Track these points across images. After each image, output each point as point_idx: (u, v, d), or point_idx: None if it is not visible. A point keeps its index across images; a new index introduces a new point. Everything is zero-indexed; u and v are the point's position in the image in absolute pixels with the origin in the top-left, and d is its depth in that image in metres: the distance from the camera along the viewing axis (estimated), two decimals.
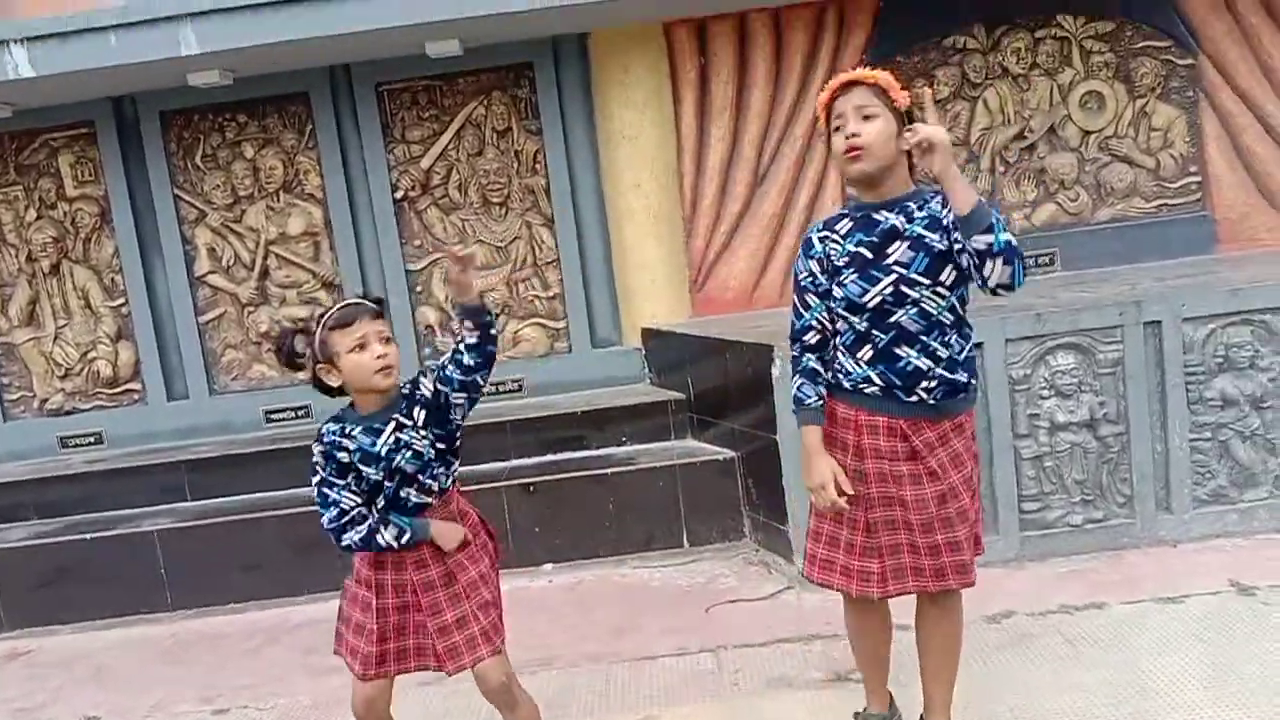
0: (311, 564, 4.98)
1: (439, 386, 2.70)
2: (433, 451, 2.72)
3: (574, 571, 4.93)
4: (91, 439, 6.16)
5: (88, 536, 5.19)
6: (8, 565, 5.16)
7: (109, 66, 5.10)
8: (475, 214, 6.02)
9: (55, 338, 6.19)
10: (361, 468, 2.67)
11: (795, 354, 2.81)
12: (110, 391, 6.21)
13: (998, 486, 4.34)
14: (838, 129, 2.65)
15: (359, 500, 2.69)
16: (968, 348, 2.67)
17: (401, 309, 5.98)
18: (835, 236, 2.72)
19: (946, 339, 2.62)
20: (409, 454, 2.68)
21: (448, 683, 3.09)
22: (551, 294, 6.06)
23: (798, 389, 2.78)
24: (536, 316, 6.09)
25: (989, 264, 2.42)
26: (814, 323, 2.75)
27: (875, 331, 2.63)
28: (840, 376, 2.73)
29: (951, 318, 2.62)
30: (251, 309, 6.11)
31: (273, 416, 6.07)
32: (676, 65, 5.74)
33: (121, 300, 6.13)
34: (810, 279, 2.75)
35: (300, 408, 6.03)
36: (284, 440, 5.74)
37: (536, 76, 5.82)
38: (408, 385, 2.75)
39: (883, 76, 2.64)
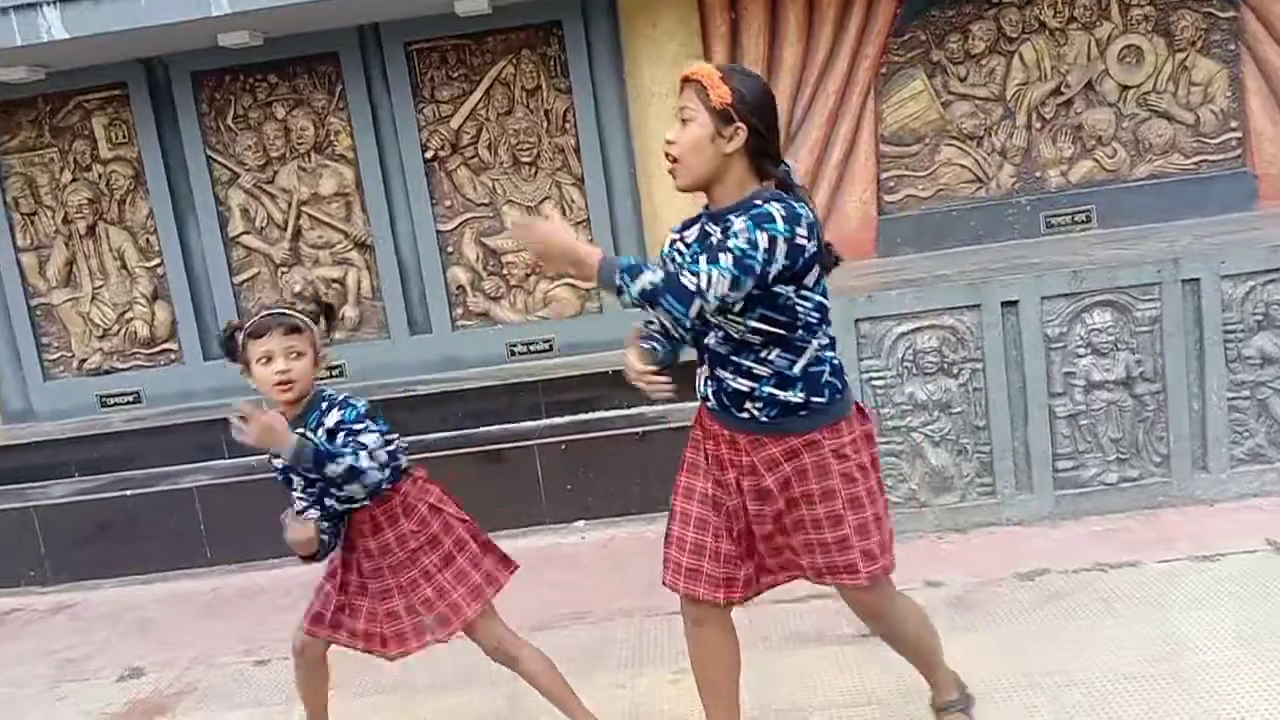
0: None
1: (336, 431, 2.74)
2: (308, 501, 2.81)
3: (606, 529, 4.96)
4: (130, 398, 6.24)
5: (129, 493, 5.28)
6: (52, 521, 5.26)
7: (140, 28, 5.10)
8: (505, 174, 6.01)
9: (93, 298, 6.26)
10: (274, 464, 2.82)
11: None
12: (147, 351, 6.28)
13: (1032, 445, 4.32)
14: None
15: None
16: (800, 363, 2.40)
17: (432, 270, 6.00)
18: (681, 244, 2.54)
19: (763, 356, 2.39)
20: (298, 495, 2.83)
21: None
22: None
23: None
24: (567, 276, 6.08)
25: (641, 308, 2.27)
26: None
27: (700, 351, 2.50)
28: (699, 390, 2.58)
29: (760, 338, 2.37)
30: (285, 269, 6.15)
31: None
32: (707, 20, 5.68)
33: (157, 261, 6.19)
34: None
35: (334, 367, 6.07)
36: None
37: (565, 34, 5.77)
38: (325, 401, 2.79)
39: (703, 71, 2.37)
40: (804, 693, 3.23)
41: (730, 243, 2.24)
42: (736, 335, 2.39)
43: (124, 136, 6.09)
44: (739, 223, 2.27)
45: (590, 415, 5.43)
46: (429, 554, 2.88)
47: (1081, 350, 4.28)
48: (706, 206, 2.50)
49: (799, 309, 2.36)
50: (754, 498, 2.51)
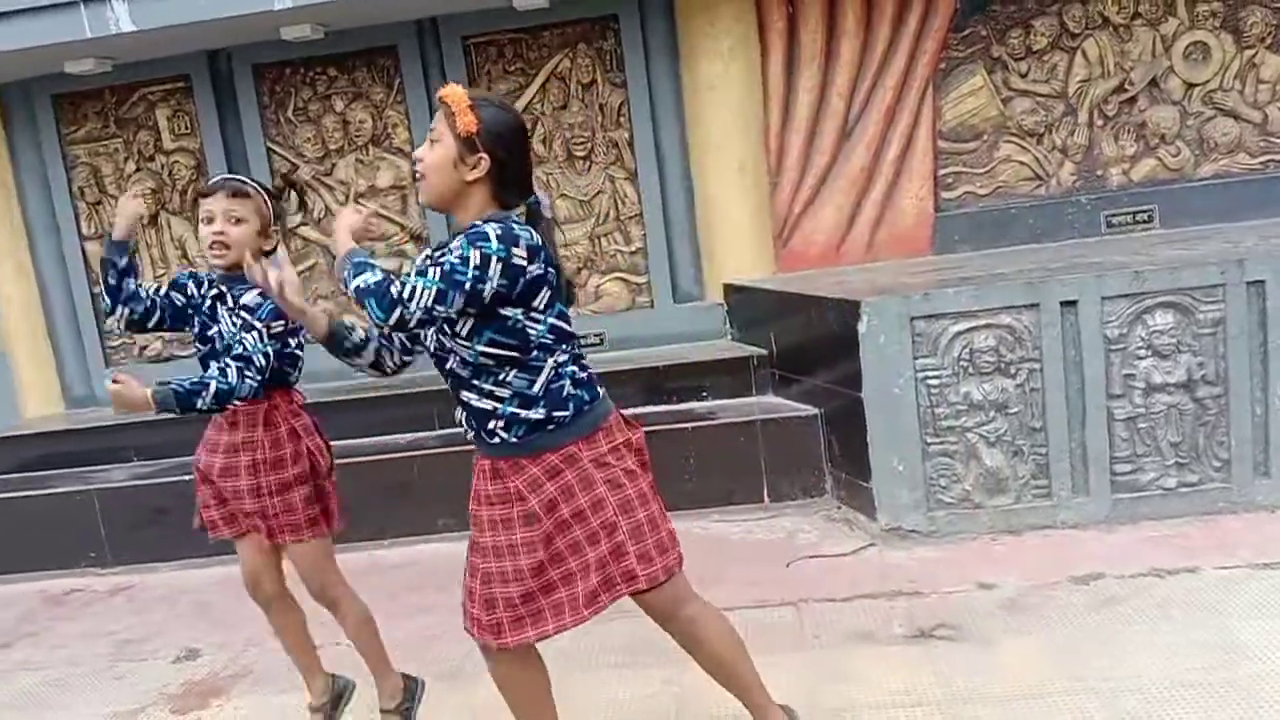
0: (399, 508, 5.11)
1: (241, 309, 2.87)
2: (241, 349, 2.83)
3: None
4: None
5: (186, 478, 5.32)
6: (111, 504, 5.37)
7: (205, 21, 5.19)
8: (559, 167, 6.04)
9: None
10: (191, 315, 3.01)
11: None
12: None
13: (1090, 447, 4.25)
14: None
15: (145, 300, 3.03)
16: (539, 381, 2.38)
17: None
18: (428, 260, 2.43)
19: (500, 379, 2.38)
20: (218, 330, 2.92)
21: None
22: (634, 248, 6.07)
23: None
24: (618, 271, 6.10)
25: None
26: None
27: (443, 375, 2.49)
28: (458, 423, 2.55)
29: (493, 361, 2.36)
30: None
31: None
32: (764, 14, 5.66)
33: None
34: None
35: None
36: (372, 389, 5.86)
37: (622, 28, 5.79)
38: (255, 289, 2.78)
39: (453, 95, 2.36)
40: (855, 692, 3.21)
41: (443, 258, 2.25)
42: (471, 359, 2.38)
43: (187, 128, 6.20)
44: (455, 241, 2.30)
45: (639, 410, 5.42)
46: (269, 471, 2.97)
47: (1142, 352, 4.20)
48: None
49: (530, 331, 2.37)
50: (522, 524, 2.42)
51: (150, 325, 3.05)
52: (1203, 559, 3.87)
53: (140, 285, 2.98)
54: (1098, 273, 4.23)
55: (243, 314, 2.84)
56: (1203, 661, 3.13)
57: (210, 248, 2.81)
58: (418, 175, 2.42)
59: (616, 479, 2.45)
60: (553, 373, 2.40)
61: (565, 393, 2.42)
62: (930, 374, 4.26)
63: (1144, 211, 5.63)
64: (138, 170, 6.24)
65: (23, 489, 5.58)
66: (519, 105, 5.93)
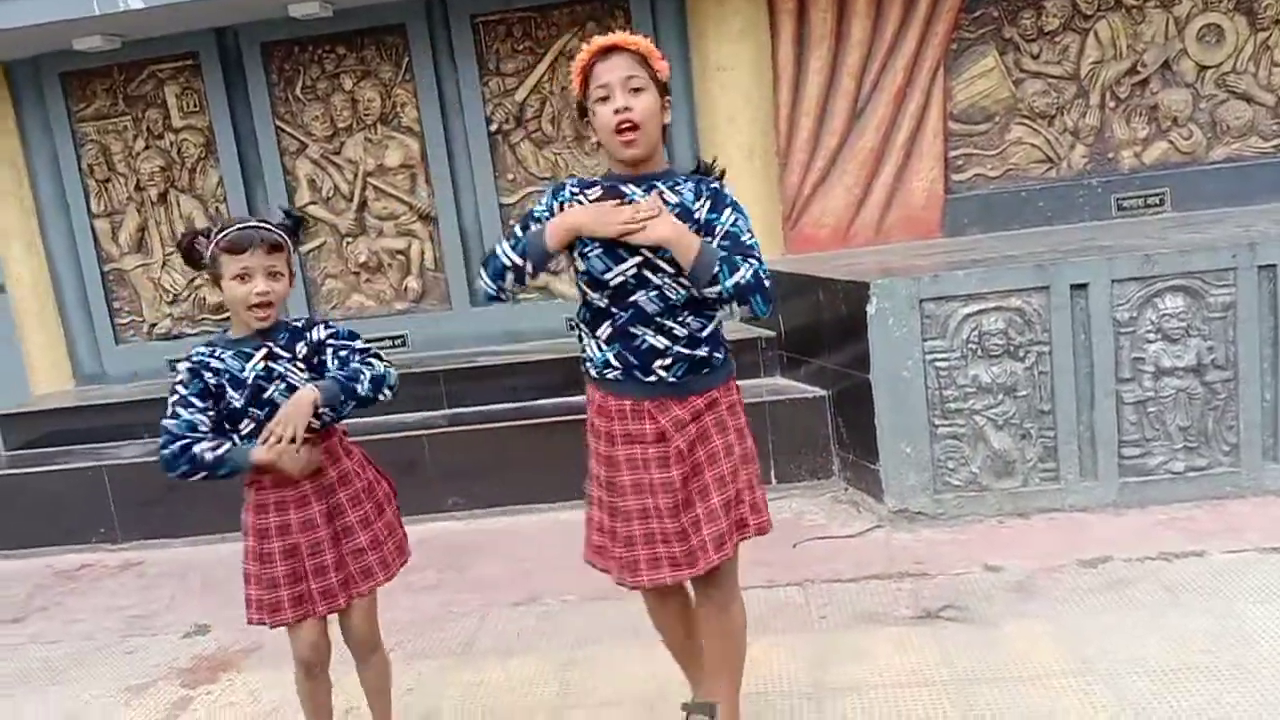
0: (406, 487, 5.08)
1: (329, 350, 2.67)
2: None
3: None
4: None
5: None
6: (121, 481, 5.40)
7: None
8: (567, 148, 6.03)
9: (163, 264, 6.39)
10: (229, 391, 2.56)
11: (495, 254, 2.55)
12: (215, 318, 6.39)
13: (1098, 431, 4.25)
14: (602, 99, 2.45)
15: (208, 425, 2.54)
16: (709, 326, 2.54)
17: (494, 242, 6.02)
18: (584, 198, 2.55)
19: (683, 319, 2.49)
20: (283, 386, 2.58)
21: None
22: None
23: (510, 244, 2.52)
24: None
25: (726, 306, 2.47)
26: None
27: (614, 309, 2.51)
28: (588, 364, 2.63)
29: (686, 302, 2.48)
30: (350, 240, 6.23)
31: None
32: None
33: None
34: (546, 214, 2.55)
35: (397, 337, 6.16)
36: None
37: (631, 7, 5.76)
38: (300, 320, 2.69)
39: (644, 44, 2.47)
40: (861, 671, 3.23)
41: (746, 238, 2.44)
42: (674, 297, 2.46)
43: (195, 105, 6.20)
44: (730, 213, 2.47)
45: None
46: (366, 500, 2.76)
47: (1151, 335, 4.20)
48: (609, 177, 2.56)
49: None
50: (658, 466, 2.51)
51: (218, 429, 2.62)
52: (1210, 543, 3.87)
53: (206, 438, 2.56)
54: (1108, 256, 4.22)
55: (331, 343, 2.67)
56: (1209, 645, 3.14)
57: (252, 309, 2.51)
58: (625, 125, 2.41)
59: (741, 429, 2.61)
60: (718, 321, 2.57)
61: (719, 340, 2.57)
62: (939, 356, 4.26)
63: (1155, 195, 5.61)
64: (146, 148, 6.24)
65: (34, 465, 5.61)
66: (527, 84, 5.93)
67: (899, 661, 3.27)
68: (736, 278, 2.35)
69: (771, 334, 5.44)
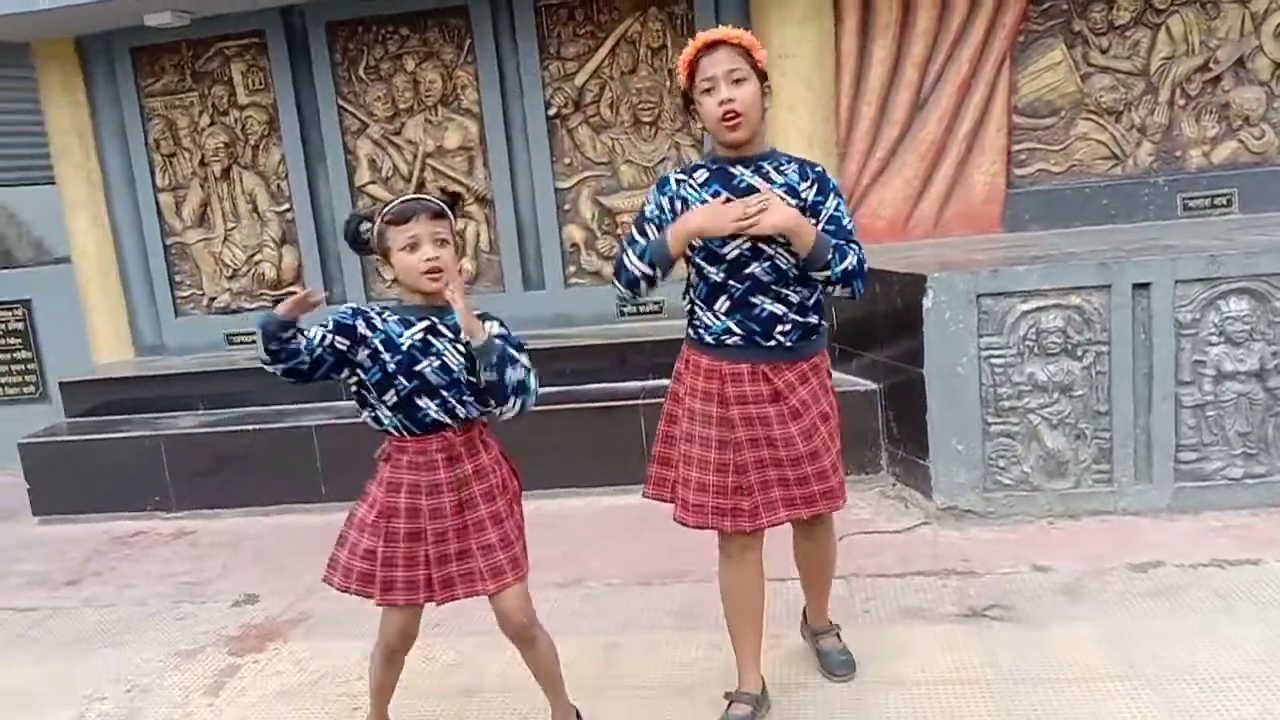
0: None
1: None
2: (465, 375, 2.59)
3: None
4: (255, 337, 6.45)
5: (251, 428, 5.49)
6: (178, 451, 5.51)
7: None
8: (625, 133, 6.01)
9: (224, 239, 6.49)
10: (383, 353, 2.57)
11: (617, 264, 2.78)
12: (273, 293, 6.48)
13: (1154, 434, 4.17)
14: (707, 90, 2.67)
15: (316, 350, 2.58)
16: (815, 295, 2.81)
17: (549, 227, 6.05)
18: (692, 183, 2.79)
19: (793, 287, 2.75)
20: (437, 364, 2.58)
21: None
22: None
23: (636, 251, 2.73)
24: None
25: (829, 286, 2.74)
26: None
27: (731, 282, 2.74)
28: (701, 332, 2.83)
29: (798, 270, 2.72)
30: None
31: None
32: None
33: (286, 206, 6.37)
34: (658, 213, 2.78)
35: None
36: None
37: None
38: (478, 310, 2.63)
39: (746, 37, 2.69)
40: (904, 667, 3.21)
41: (848, 224, 2.77)
42: (784, 267, 2.72)
43: (260, 83, 6.28)
44: (834, 199, 2.76)
45: None
46: (499, 496, 2.72)
47: (1214, 338, 4.11)
48: (715, 159, 2.80)
49: None
50: (777, 422, 2.79)
51: (316, 377, 2.68)
52: (1267, 551, 3.79)
53: (299, 340, 2.61)
54: (1172, 256, 4.13)
55: (498, 341, 2.59)
56: (1262, 654, 3.08)
57: (425, 275, 2.53)
58: (730, 115, 2.64)
59: (832, 398, 2.93)
60: (820, 291, 2.82)
61: (821, 309, 2.86)
62: (995, 353, 4.20)
63: (1223, 195, 5.48)
64: (211, 124, 6.33)
65: (93, 433, 5.74)
66: (587, 69, 5.92)
67: (942, 659, 3.24)
68: (846, 264, 2.66)
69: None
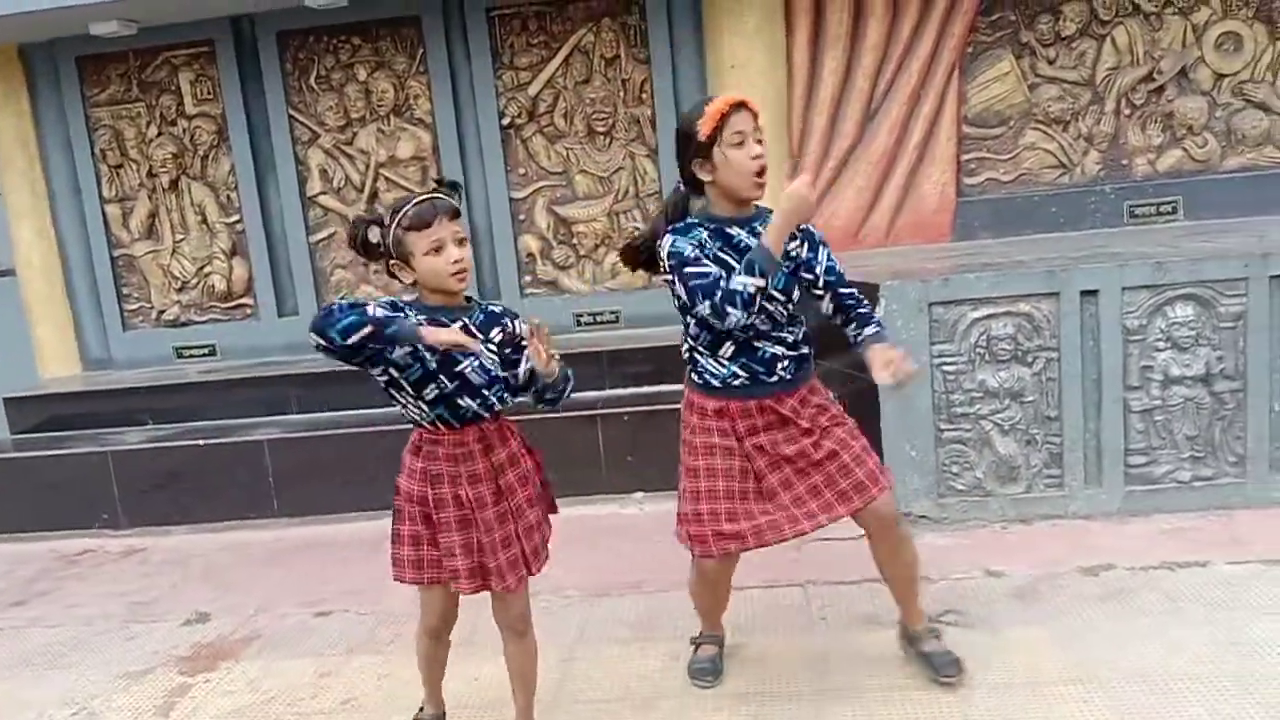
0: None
1: (520, 348, 2.68)
2: (499, 372, 2.66)
3: (665, 501, 4.94)
4: (205, 350, 6.39)
5: (200, 443, 5.41)
6: (126, 467, 5.41)
7: None
8: (580, 143, 6.02)
9: (173, 251, 6.40)
10: (423, 351, 2.55)
11: (721, 295, 2.75)
12: (224, 306, 6.41)
13: (1104, 439, 4.23)
14: (737, 144, 2.79)
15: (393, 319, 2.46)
16: (803, 330, 3.01)
17: (504, 236, 6.04)
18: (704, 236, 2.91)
19: (790, 329, 2.95)
20: (475, 363, 2.60)
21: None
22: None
23: (729, 284, 2.74)
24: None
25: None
26: (721, 276, 2.79)
27: (736, 330, 2.85)
28: (707, 377, 2.98)
29: (789, 315, 2.94)
30: None
31: None
32: None
33: (236, 217, 6.30)
34: (698, 249, 2.83)
35: None
36: None
37: (646, 3, 5.76)
38: (498, 306, 2.72)
39: (755, 104, 2.86)
40: (861, 674, 3.21)
41: (841, 269, 3.07)
42: (780, 317, 2.92)
43: (209, 93, 6.21)
44: (824, 251, 3.03)
45: (653, 388, 5.43)
46: (526, 486, 2.76)
47: (1161, 344, 4.17)
48: (695, 215, 2.94)
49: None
50: (787, 443, 2.96)
51: (353, 362, 2.57)
52: (1215, 554, 3.85)
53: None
54: (1119, 263, 4.19)
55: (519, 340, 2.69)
56: (1210, 656, 3.12)
57: (453, 277, 2.54)
58: (763, 170, 2.83)
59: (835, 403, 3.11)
60: (804, 325, 3.02)
61: (810, 340, 3.03)
62: (947, 360, 4.24)
63: (1168, 203, 5.58)
64: (159, 134, 6.25)
65: (39, 449, 5.63)
66: (541, 79, 5.92)
67: (898, 665, 3.25)
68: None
69: None
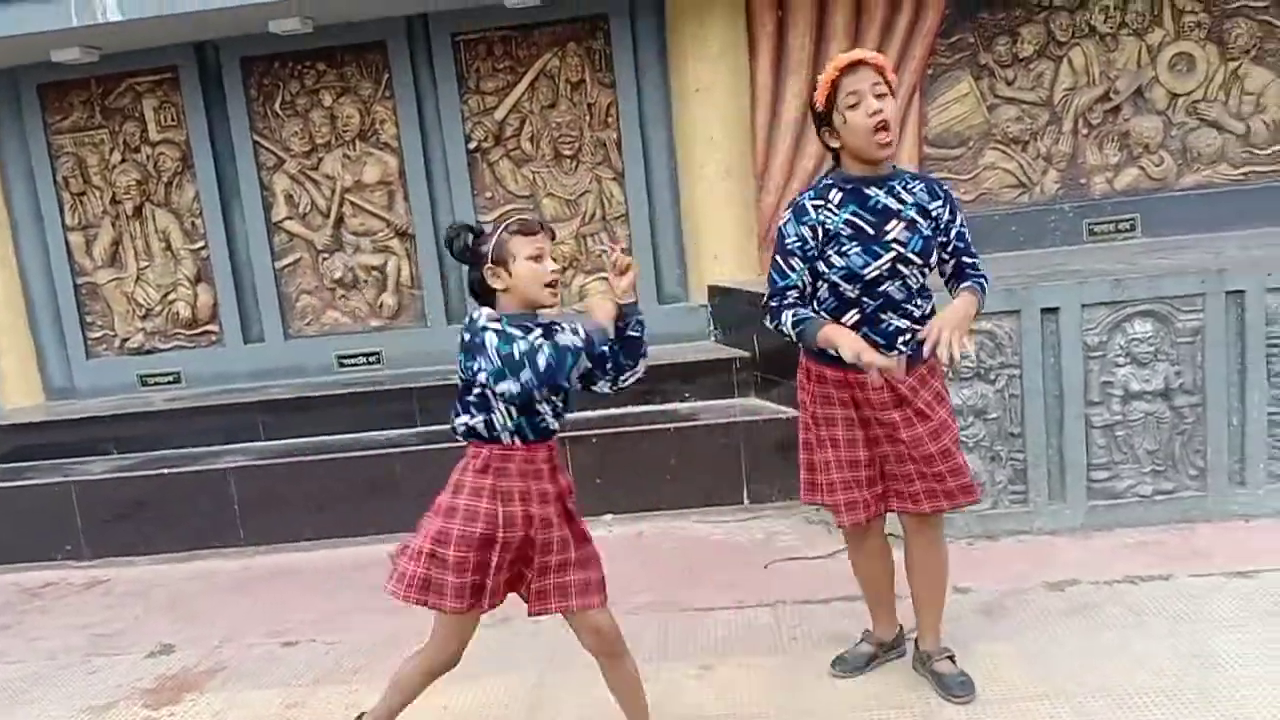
0: (378, 506, 5.10)
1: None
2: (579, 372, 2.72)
3: (635, 523, 4.97)
4: (170, 378, 6.33)
5: (165, 472, 5.36)
6: (89, 497, 5.35)
7: (194, 11, 5.18)
8: (546, 166, 6.04)
9: (137, 278, 6.36)
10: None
11: (775, 304, 2.94)
12: (189, 332, 6.37)
13: (1067, 454, 4.28)
14: (853, 106, 2.78)
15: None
16: (932, 304, 2.96)
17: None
18: (829, 206, 2.90)
19: (918, 302, 2.91)
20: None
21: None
22: (620, 248, 6.05)
23: (794, 317, 2.89)
24: (604, 271, 6.10)
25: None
26: (798, 283, 2.91)
27: (865, 299, 2.87)
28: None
29: (920, 285, 2.92)
30: (326, 255, 6.22)
31: (344, 361, 6.19)
32: (753, 19, 5.66)
33: (201, 244, 6.27)
34: (800, 244, 2.90)
35: (371, 354, 6.15)
36: (355, 385, 5.87)
37: (611, 28, 5.79)
38: (551, 321, 2.74)
39: (882, 58, 2.85)
40: (831, 694, 3.22)
41: (969, 235, 3.01)
42: (914, 284, 2.88)
43: (173, 119, 6.18)
44: (960, 217, 2.98)
45: (623, 410, 5.43)
46: (574, 520, 2.78)
47: (1121, 360, 4.23)
48: (830, 176, 2.95)
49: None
50: (904, 425, 2.94)
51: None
52: (1177, 566, 3.90)
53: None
54: (1079, 280, 4.25)
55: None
56: (1174, 668, 3.15)
57: (548, 288, 2.63)
58: (882, 126, 2.76)
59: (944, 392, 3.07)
60: (931, 300, 2.96)
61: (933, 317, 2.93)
62: None
63: (1126, 220, 5.67)
64: (123, 161, 6.22)
65: (1, 480, 5.55)
66: (507, 103, 5.94)
67: (868, 684, 3.26)
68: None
69: (746, 355, 5.46)
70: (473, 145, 6.00)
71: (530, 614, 2.75)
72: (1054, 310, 4.21)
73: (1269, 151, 5.59)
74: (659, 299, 6.01)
